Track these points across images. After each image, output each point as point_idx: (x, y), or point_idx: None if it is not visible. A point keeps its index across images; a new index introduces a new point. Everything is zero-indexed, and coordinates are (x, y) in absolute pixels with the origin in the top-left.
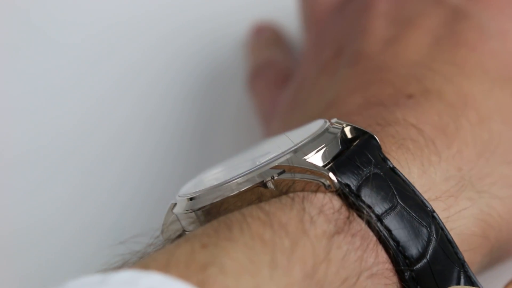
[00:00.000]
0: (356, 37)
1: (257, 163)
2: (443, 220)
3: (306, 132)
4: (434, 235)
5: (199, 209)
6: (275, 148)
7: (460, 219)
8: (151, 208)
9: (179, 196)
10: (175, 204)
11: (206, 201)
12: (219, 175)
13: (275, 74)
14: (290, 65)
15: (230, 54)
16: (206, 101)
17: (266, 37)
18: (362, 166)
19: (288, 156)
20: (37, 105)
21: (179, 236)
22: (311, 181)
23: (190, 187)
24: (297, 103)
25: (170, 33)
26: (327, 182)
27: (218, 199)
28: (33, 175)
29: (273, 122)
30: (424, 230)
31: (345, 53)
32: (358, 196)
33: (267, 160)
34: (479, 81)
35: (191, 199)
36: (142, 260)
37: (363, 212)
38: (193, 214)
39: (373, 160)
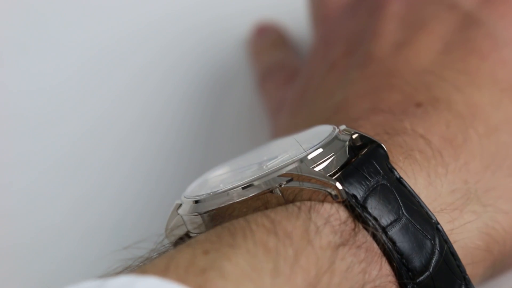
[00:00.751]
0: (367, 38)
1: (264, 168)
2: (447, 233)
3: (314, 137)
4: (438, 248)
5: (205, 212)
6: (283, 152)
7: (464, 232)
8: (156, 209)
9: (184, 197)
10: (180, 204)
11: (212, 206)
12: (225, 177)
13: (284, 75)
14: (297, 65)
15: (233, 54)
16: (210, 103)
17: (269, 37)
18: (369, 176)
19: (296, 164)
20: (43, 109)
21: (182, 238)
22: (318, 190)
23: (195, 188)
24: (304, 100)
25: (174, 37)
26: (334, 192)
27: (223, 204)
28: (38, 179)
29: (280, 117)
30: (428, 243)
31: (354, 53)
32: (364, 208)
33: (275, 167)
34: (489, 91)
35: (196, 201)
36: (143, 265)
37: (369, 224)
38: (198, 216)
39: (381, 171)
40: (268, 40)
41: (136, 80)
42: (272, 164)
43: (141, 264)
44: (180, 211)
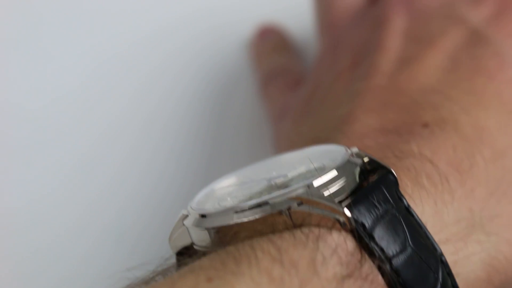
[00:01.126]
0: (372, 51)
1: (273, 185)
2: (451, 265)
3: (325, 157)
4: (440, 281)
5: (211, 228)
6: (293, 169)
7: (468, 265)
8: (162, 218)
9: (191, 208)
10: (186, 215)
11: (218, 222)
12: (232, 190)
13: (287, 79)
14: (299, 70)
15: (235, 57)
16: (212, 108)
17: (271, 40)
18: (378, 204)
19: (307, 188)
20: (51, 116)
21: (187, 248)
22: (327, 216)
23: (202, 198)
24: (310, 108)
25: (174, 40)
26: (343, 219)
27: (230, 223)
28: (44, 184)
29: (283, 124)
30: (431, 275)
31: (361, 64)
32: (372, 237)
33: (285, 188)
34: (496, 113)
35: (203, 215)
36: None
37: (375, 255)
38: (204, 230)
39: (390, 200)
40: (270, 43)
41: (140, 86)
42: (282, 182)
43: (142, 286)
44: (186, 222)
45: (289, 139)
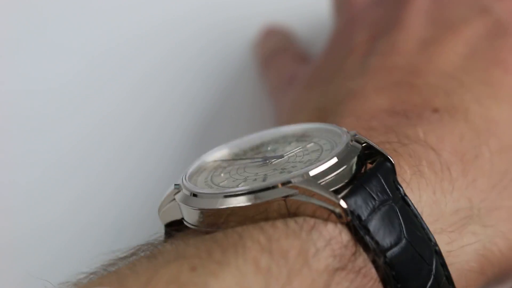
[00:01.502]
0: (392, 27)
1: (269, 165)
2: (445, 255)
3: (324, 138)
4: (434, 272)
5: (201, 209)
6: (289, 147)
7: (462, 255)
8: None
9: (184, 183)
10: (178, 190)
11: (208, 205)
12: (226, 165)
13: (294, 55)
14: (305, 55)
15: (239, 57)
16: (212, 105)
17: (277, 39)
18: (375, 196)
19: (304, 177)
20: (44, 109)
21: (176, 223)
22: (323, 206)
23: (194, 171)
24: (322, 76)
25: (175, 41)
26: (338, 211)
27: (221, 207)
28: (38, 178)
29: (292, 89)
30: (425, 266)
31: (378, 39)
32: (367, 230)
33: (281, 177)
34: (508, 106)
35: (194, 195)
36: (127, 272)
37: (369, 248)
38: (196, 210)
39: (387, 189)
40: (274, 41)
41: (139, 81)
42: (277, 163)
43: (127, 265)
44: (177, 197)
45: (297, 102)
